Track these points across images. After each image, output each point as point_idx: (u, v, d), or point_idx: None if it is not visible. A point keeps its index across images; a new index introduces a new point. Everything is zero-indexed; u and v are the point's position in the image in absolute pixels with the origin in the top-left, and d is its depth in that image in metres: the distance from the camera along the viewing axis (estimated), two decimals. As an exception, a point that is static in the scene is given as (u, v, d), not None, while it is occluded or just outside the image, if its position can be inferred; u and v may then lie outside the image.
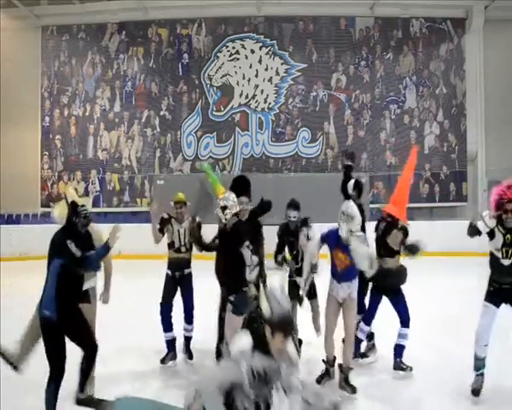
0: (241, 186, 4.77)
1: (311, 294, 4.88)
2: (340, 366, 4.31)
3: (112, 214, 14.65)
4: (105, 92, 15.40)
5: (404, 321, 4.58)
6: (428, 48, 15.16)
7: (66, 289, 3.49)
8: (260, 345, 2.24)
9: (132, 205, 14.85)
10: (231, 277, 4.14)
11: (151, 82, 15.33)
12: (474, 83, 15.06)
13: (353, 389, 4.16)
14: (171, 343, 4.94)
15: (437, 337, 5.76)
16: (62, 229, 3.69)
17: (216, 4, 14.85)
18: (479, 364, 4.10)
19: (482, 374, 4.10)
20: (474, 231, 4.13)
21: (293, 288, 4.84)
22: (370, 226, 4.98)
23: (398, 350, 4.58)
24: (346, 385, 4.19)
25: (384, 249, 4.62)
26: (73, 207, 3.69)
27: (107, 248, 3.69)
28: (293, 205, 4.84)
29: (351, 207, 4.22)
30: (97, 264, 3.82)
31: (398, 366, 4.59)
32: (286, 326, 2.27)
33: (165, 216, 4.98)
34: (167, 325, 4.92)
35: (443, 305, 7.40)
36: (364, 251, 4.10)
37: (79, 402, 3.58)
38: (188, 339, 5.08)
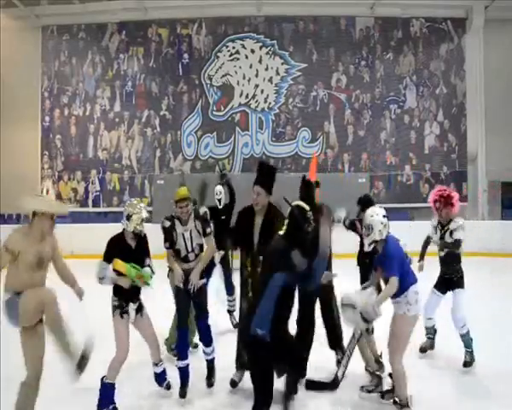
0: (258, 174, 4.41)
1: None
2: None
3: (112, 214, 14.66)
4: (105, 92, 15.39)
5: None
6: (428, 48, 15.15)
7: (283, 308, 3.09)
8: None
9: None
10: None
11: (151, 82, 15.32)
12: (474, 83, 15.05)
13: None
14: (186, 372, 4.30)
15: (436, 337, 5.75)
16: (286, 236, 3.21)
17: (216, 4, 14.85)
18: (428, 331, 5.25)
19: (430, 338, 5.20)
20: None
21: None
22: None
23: None
24: None
25: None
26: (302, 211, 3.24)
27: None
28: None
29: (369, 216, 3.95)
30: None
31: None
32: None
33: (166, 225, 4.33)
34: (185, 353, 4.34)
35: (443, 304, 7.38)
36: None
37: None
38: (210, 362, 4.47)
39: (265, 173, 4.36)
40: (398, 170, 14.99)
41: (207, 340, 4.39)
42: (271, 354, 3.01)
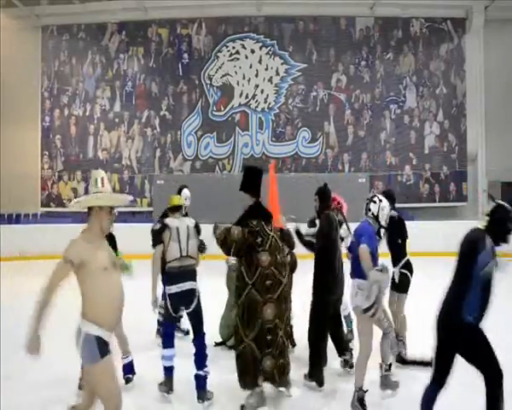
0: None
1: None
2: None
3: (112, 214, 14.62)
4: (105, 92, 15.40)
5: None
6: (428, 48, 15.16)
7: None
8: None
9: (132, 205, 14.82)
10: None
11: (151, 82, 15.33)
12: (474, 83, 15.06)
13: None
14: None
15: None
16: (488, 231, 3.30)
17: (216, 4, 14.86)
18: None
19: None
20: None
21: None
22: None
23: None
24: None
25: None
26: (507, 210, 3.30)
27: None
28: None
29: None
30: None
31: None
32: None
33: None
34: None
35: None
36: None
37: None
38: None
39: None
40: (398, 170, 15.00)
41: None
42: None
